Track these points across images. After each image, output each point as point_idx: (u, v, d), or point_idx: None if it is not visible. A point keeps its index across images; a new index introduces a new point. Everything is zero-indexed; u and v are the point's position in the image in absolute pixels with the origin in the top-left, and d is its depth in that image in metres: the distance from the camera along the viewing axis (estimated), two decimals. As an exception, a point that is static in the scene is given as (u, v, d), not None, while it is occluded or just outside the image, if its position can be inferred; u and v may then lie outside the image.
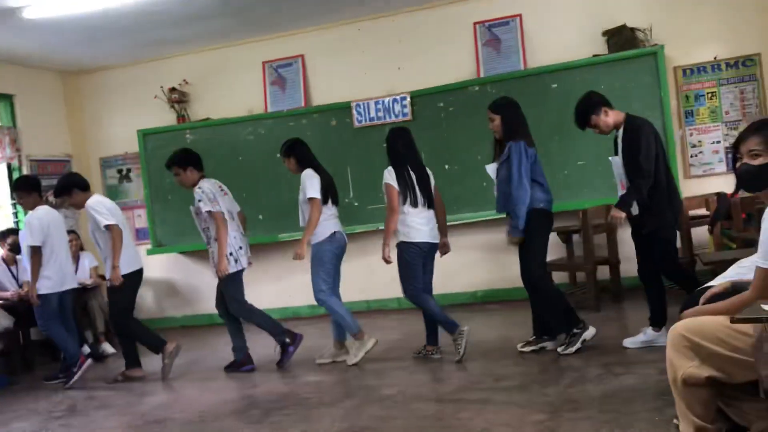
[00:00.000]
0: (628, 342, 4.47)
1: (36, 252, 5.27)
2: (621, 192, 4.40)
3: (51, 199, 7.44)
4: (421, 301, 4.78)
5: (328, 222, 4.99)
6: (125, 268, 5.16)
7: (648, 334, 4.41)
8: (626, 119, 4.38)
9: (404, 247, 4.77)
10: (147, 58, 7.74)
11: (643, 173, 4.23)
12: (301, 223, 5.03)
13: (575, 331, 4.50)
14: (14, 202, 7.18)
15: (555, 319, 4.59)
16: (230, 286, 5.10)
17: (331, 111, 7.10)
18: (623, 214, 4.33)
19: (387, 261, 4.81)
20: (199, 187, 5.06)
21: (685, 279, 4.46)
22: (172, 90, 7.53)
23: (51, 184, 7.53)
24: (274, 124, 7.26)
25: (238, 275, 5.13)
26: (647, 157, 4.23)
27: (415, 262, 4.77)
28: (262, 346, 5.35)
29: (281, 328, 5.12)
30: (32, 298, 5.27)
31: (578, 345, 4.46)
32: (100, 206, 5.19)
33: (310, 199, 4.88)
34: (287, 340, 5.09)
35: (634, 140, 4.26)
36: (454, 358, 4.66)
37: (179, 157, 5.17)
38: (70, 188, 5.28)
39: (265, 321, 5.14)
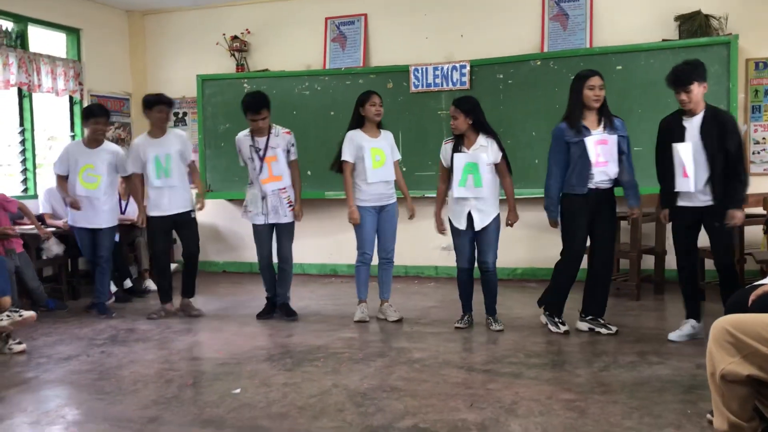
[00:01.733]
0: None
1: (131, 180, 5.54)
2: (684, 179, 4.24)
3: (108, 135, 7.63)
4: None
5: None
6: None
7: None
8: (708, 108, 4.26)
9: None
10: (211, 3, 7.80)
11: (744, 166, 4.19)
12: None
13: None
14: (73, 134, 7.36)
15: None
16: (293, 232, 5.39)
17: (388, 73, 7.06)
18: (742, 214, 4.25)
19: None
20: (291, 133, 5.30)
21: (736, 275, 4.37)
22: (234, 38, 7.59)
23: (110, 121, 7.73)
24: (330, 81, 7.26)
25: None
26: (742, 150, 4.23)
27: None
28: (298, 298, 5.45)
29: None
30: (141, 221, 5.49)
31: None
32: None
33: None
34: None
35: (729, 132, 4.16)
36: (495, 328, 4.83)
37: (268, 100, 5.18)
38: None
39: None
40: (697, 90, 4.17)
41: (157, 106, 5.37)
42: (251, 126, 5.18)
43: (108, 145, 5.71)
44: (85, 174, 5.55)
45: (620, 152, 4.56)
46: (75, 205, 5.54)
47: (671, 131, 4.35)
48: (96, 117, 5.53)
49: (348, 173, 5.11)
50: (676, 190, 4.31)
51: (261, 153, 5.18)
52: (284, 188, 5.24)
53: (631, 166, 4.67)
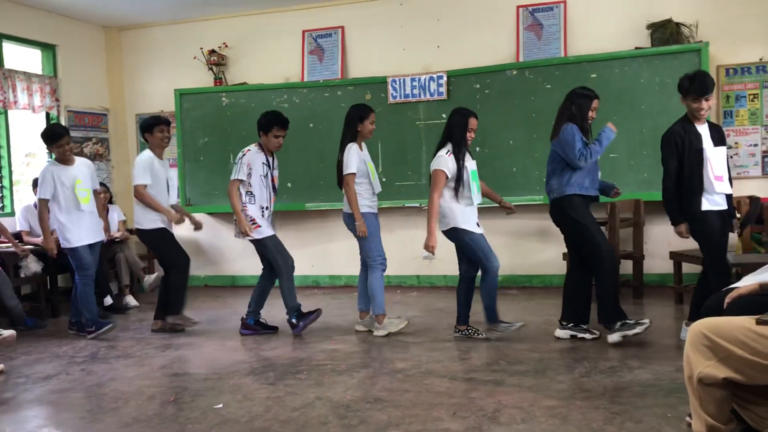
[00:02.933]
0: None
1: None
2: (720, 182, 4.30)
3: (86, 150, 7.59)
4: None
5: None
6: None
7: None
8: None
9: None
10: (188, 18, 7.80)
11: None
12: None
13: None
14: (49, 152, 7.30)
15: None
16: None
17: (366, 84, 7.11)
18: None
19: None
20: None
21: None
22: (212, 52, 7.59)
23: (87, 136, 7.69)
24: (309, 94, 7.29)
25: None
26: None
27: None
28: (280, 311, 5.42)
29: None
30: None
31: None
32: None
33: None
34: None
35: (724, 138, 4.42)
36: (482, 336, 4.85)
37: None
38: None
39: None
40: (712, 101, 4.33)
41: (158, 127, 5.40)
42: (272, 143, 5.15)
43: (81, 160, 5.61)
44: (78, 189, 5.43)
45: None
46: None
47: (689, 137, 4.32)
48: (58, 140, 5.36)
49: (354, 185, 5.03)
50: (718, 191, 4.30)
51: (272, 171, 5.23)
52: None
53: None
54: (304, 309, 5.22)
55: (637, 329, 4.43)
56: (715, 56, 6.23)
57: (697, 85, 4.24)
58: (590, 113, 4.59)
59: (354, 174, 5.01)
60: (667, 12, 6.33)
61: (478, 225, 4.78)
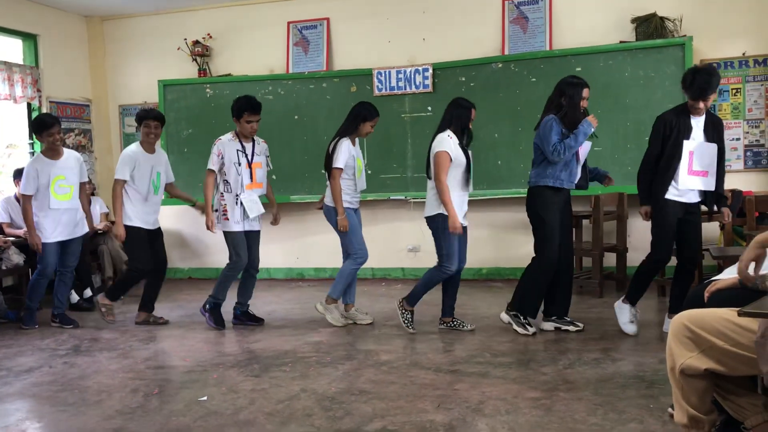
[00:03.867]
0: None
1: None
2: (704, 179, 4.39)
3: (68, 141, 7.51)
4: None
5: None
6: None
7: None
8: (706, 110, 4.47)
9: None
10: (172, 8, 7.73)
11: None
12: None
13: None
14: (32, 141, 7.23)
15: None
16: None
17: (352, 77, 7.09)
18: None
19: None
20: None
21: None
22: (196, 43, 7.53)
23: (70, 127, 7.61)
24: (293, 86, 7.25)
25: None
26: None
27: None
28: (264, 302, 5.42)
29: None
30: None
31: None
32: None
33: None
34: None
35: (722, 131, 4.48)
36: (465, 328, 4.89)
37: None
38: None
39: None
40: (712, 98, 4.34)
41: (144, 122, 5.34)
42: (244, 128, 5.08)
43: (70, 153, 5.53)
44: (57, 186, 5.35)
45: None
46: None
47: (678, 128, 4.36)
48: (48, 128, 5.25)
49: (340, 180, 5.02)
50: (689, 187, 4.38)
51: (249, 158, 5.14)
52: (260, 196, 5.24)
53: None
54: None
55: (523, 330, 4.65)
56: (699, 50, 6.27)
57: (695, 88, 4.24)
58: (582, 102, 4.56)
59: (341, 169, 5.00)
60: (652, 6, 6.36)
61: (464, 218, 4.78)
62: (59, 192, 5.35)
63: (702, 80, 4.22)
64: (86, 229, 5.66)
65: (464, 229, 4.73)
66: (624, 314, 4.59)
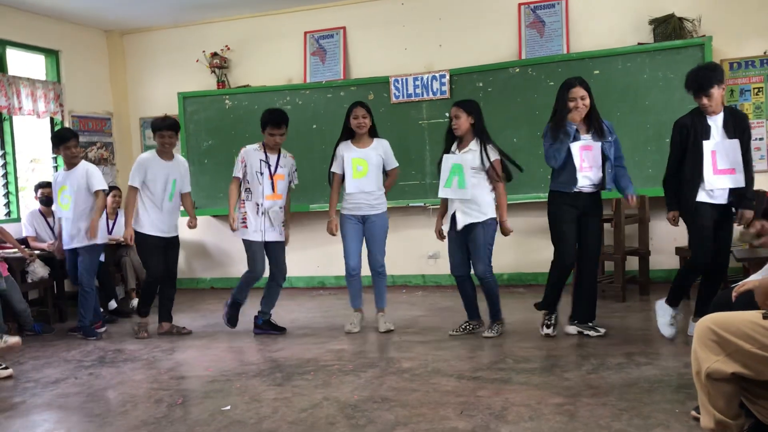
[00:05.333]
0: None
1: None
2: (732, 176, 4.29)
3: (90, 155, 7.61)
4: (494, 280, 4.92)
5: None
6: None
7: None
8: (726, 106, 4.38)
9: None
10: (190, 21, 7.82)
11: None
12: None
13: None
14: (54, 156, 7.33)
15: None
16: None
17: (369, 85, 7.11)
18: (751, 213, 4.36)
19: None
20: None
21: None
22: (214, 55, 7.60)
23: (91, 141, 7.71)
24: (311, 95, 7.29)
25: None
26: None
27: None
28: (286, 311, 5.44)
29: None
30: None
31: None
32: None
33: None
34: None
35: (746, 129, 4.36)
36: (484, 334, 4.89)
37: (288, 118, 5.22)
38: None
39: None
40: (717, 93, 4.25)
41: (158, 132, 5.38)
42: (268, 141, 5.16)
43: (80, 167, 5.54)
44: (62, 196, 5.54)
45: (604, 158, 4.59)
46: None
47: (695, 130, 4.32)
48: (65, 142, 5.42)
49: (335, 184, 5.19)
50: (717, 186, 4.31)
51: (272, 169, 5.18)
52: (281, 207, 5.27)
53: (624, 168, 4.71)
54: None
55: (541, 329, 4.78)
56: (719, 50, 6.21)
57: (693, 85, 4.25)
58: (570, 103, 4.49)
59: (335, 173, 5.17)
60: (670, 7, 6.31)
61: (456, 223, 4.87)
62: (63, 202, 5.55)
63: (698, 75, 4.22)
64: (86, 242, 5.51)
65: (473, 236, 4.82)
66: (665, 315, 4.48)
